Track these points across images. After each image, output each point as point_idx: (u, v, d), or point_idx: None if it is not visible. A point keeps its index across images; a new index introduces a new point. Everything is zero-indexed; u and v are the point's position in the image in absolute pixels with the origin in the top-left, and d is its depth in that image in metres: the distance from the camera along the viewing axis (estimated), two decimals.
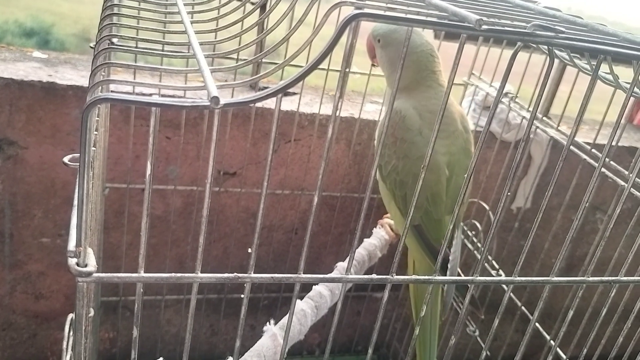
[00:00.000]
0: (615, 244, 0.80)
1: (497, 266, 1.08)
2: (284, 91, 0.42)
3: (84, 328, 0.49)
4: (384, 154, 0.93)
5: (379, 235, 1.07)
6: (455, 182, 0.91)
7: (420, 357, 1.05)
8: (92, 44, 0.72)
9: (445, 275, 0.91)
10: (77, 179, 0.45)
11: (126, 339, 1.32)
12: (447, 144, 0.91)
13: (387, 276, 0.52)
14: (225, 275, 0.48)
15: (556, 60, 0.87)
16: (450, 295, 0.98)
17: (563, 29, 0.44)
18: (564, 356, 0.88)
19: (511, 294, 1.08)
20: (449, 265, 0.92)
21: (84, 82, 1.07)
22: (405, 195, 0.91)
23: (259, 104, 1.10)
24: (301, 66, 1.12)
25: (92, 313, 0.76)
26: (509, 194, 0.51)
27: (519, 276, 0.58)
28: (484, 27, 0.42)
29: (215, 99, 0.39)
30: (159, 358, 0.86)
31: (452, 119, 0.93)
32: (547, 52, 0.53)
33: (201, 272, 0.48)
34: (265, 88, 1.23)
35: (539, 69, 1.09)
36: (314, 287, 0.87)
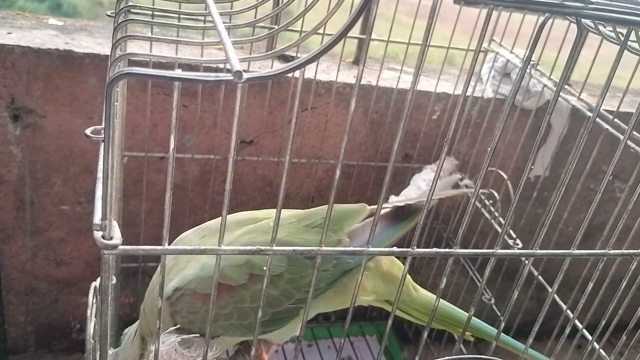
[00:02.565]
0: (634, 214, 0.79)
1: (514, 235, 1.08)
2: (307, 65, 0.41)
3: (110, 299, 0.50)
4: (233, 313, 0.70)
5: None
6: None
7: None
8: (109, 12, 0.72)
9: None
10: (102, 153, 0.45)
11: None
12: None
13: (408, 249, 0.52)
14: (248, 247, 0.49)
15: None
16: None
17: None
18: (580, 325, 0.88)
19: (531, 267, 1.08)
20: None
21: (101, 50, 1.07)
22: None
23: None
24: (318, 33, 1.10)
25: (114, 281, 0.77)
26: (532, 167, 0.51)
27: (534, 246, 0.57)
28: None
29: (238, 74, 0.39)
30: (178, 325, 0.87)
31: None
32: (574, 21, 0.51)
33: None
34: (284, 57, 1.21)
35: (560, 34, 1.07)
36: None
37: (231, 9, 0.69)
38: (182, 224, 1.23)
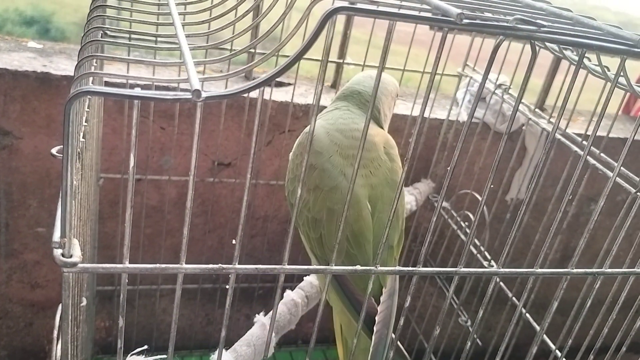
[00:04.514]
0: (607, 236, 0.81)
1: (489, 257, 1.09)
2: (267, 84, 0.42)
3: (70, 318, 0.50)
4: (293, 189, 0.78)
5: None
6: (379, 220, 0.74)
7: None
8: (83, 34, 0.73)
9: (370, 337, 0.72)
10: (62, 171, 0.45)
11: None
12: (365, 174, 0.75)
13: (372, 267, 0.53)
14: (210, 265, 0.49)
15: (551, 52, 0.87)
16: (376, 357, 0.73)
17: (545, 23, 0.44)
18: (552, 346, 0.89)
19: (503, 285, 1.09)
20: (375, 323, 0.73)
21: None
22: (320, 237, 0.74)
23: (252, 94, 1.11)
24: (281, 56, 1.11)
25: (84, 302, 0.77)
26: (491, 186, 0.52)
27: (509, 267, 0.58)
28: (465, 21, 0.42)
29: (197, 92, 0.39)
30: (149, 347, 0.87)
31: (369, 142, 0.77)
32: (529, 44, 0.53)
33: (191, 264, 0.48)
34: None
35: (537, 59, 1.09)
36: (305, 277, 0.87)
37: (209, 29, 0.70)
38: (158, 246, 1.23)
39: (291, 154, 0.81)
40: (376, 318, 0.72)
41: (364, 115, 0.80)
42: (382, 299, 0.74)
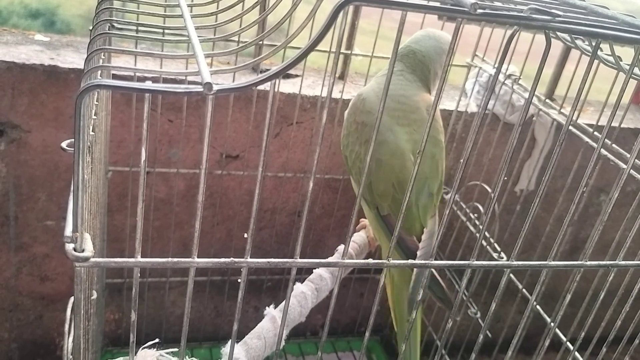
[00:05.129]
0: (618, 227, 0.80)
1: (499, 249, 1.09)
2: (277, 77, 0.42)
3: (82, 312, 0.50)
4: (347, 143, 0.90)
5: None
6: (420, 171, 0.84)
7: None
8: (90, 28, 0.72)
9: (412, 270, 0.84)
10: (73, 166, 0.45)
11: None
12: (409, 131, 0.86)
13: (384, 260, 0.52)
14: (222, 260, 0.49)
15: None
16: (417, 286, 0.84)
17: (560, 12, 0.44)
18: (564, 338, 0.88)
19: (513, 277, 1.09)
20: (417, 255, 0.84)
21: None
22: (370, 184, 0.86)
23: (260, 87, 1.10)
24: (292, 47, 1.10)
25: (94, 296, 0.77)
26: (505, 178, 0.51)
27: (520, 259, 0.58)
28: (479, 11, 0.41)
29: (208, 85, 0.39)
30: (159, 339, 0.87)
31: (413, 107, 0.88)
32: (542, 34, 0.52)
33: (200, 257, 0.48)
34: (267, 70, 1.23)
35: (543, 48, 1.08)
36: (314, 270, 0.87)
37: (216, 21, 0.70)
38: (167, 239, 1.23)
39: (346, 113, 0.93)
40: (417, 253, 0.84)
41: (413, 81, 0.91)
42: (422, 237, 0.85)
